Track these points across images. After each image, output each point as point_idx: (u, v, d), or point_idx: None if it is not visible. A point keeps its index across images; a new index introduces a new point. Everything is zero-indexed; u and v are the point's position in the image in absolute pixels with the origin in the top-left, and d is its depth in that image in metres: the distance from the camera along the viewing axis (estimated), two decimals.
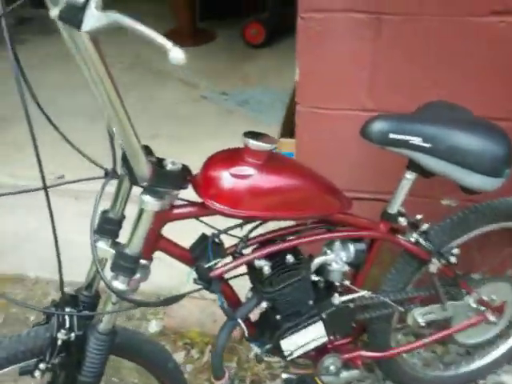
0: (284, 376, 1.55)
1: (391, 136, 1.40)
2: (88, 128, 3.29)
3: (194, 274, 1.38)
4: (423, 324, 1.71)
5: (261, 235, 1.51)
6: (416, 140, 1.40)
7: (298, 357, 1.64)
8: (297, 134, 1.98)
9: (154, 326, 2.36)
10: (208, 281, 1.39)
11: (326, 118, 1.91)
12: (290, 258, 1.47)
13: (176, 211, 1.32)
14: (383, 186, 1.69)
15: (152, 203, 1.21)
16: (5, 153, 3.49)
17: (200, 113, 4.02)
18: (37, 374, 1.29)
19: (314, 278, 1.55)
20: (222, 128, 3.73)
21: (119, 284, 1.26)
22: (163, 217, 1.28)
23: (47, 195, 1.10)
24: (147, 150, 1.20)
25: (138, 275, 1.29)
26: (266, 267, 1.45)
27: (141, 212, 1.22)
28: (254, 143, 1.28)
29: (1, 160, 3.43)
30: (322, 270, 1.58)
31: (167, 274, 1.98)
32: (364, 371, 2.11)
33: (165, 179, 1.22)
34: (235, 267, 1.43)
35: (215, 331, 2.33)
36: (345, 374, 1.76)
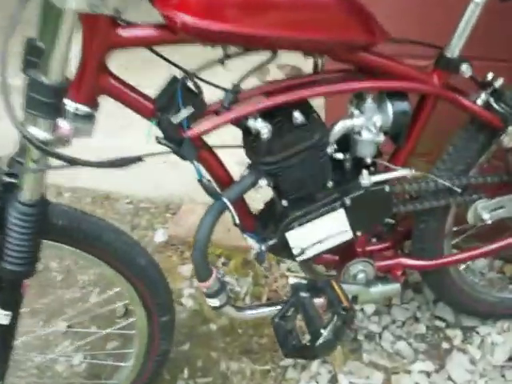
0: (291, 281, 1.16)
1: None
2: None
3: (157, 130, 0.98)
4: (489, 221, 1.25)
5: (260, 87, 1.09)
6: None
7: (315, 259, 1.25)
8: None
9: (160, 236, 2.01)
10: (177, 141, 0.99)
11: None
12: (298, 117, 1.04)
13: (124, 33, 0.91)
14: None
15: None
16: None
17: None
18: None
19: (335, 153, 1.13)
20: None
21: (38, 131, 0.87)
22: (104, 34, 0.88)
23: None
24: None
25: (69, 122, 0.90)
26: (264, 130, 1.03)
27: (58, 14, 0.81)
28: None
29: None
30: (346, 141, 1.15)
31: (179, 180, 1.60)
32: (410, 291, 1.71)
33: None
34: (218, 126, 1.02)
35: (229, 242, 2.02)
36: (379, 288, 1.35)
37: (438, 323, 1.61)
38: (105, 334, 1.63)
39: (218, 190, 1.07)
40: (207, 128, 1.01)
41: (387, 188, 1.13)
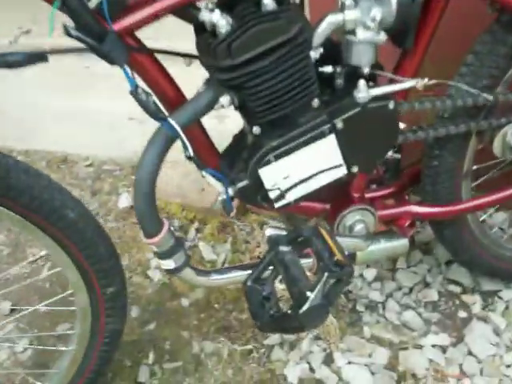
0: (268, 232, 0.89)
1: None
2: None
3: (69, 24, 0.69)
4: None
5: None
6: None
7: (300, 208, 0.97)
8: None
9: (124, 201, 1.73)
10: (97, 34, 0.70)
11: None
12: (267, 2, 0.75)
13: None
14: None
15: None
16: None
17: None
18: None
19: (323, 65, 0.84)
20: None
21: None
22: None
23: None
24: None
25: None
26: (221, 22, 0.74)
27: None
28: None
29: None
30: (337, 48, 0.87)
31: (147, 137, 1.35)
32: (418, 252, 1.44)
33: None
34: (155, 17, 0.73)
35: (203, 204, 1.74)
36: (382, 244, 1.07)
37: (453, 288, 1.35)
38: (53, 315, 1.37)
39: (161, 109, 0.78)
40: (139, 20, 0.73)
41: (391, 104, 0.85)
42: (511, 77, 0.96)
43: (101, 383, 1.23)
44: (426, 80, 0.84)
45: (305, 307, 0.72)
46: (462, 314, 1.30)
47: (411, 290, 1.36)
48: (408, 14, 0.82)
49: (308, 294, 0.73)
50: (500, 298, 1.31)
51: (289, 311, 0.74)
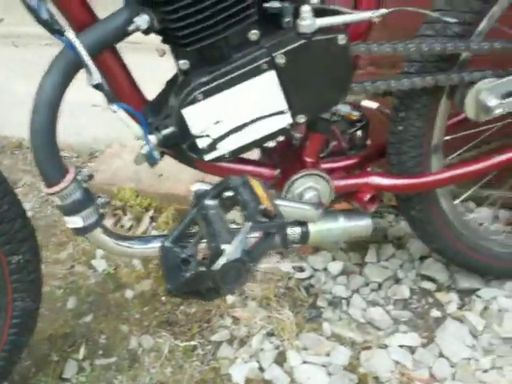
0: (194, 187, 0.75)
1: None
2: None
3: None
4: (498, 112, 0.84)
5: None
6: None
7: (243, 172, 0.84)
8: None
9: None
10: None
11: None
12: None
13: None
14: None
15: None
16: None
17: None
18: None
19: None
20: None
21: None
22: None
23: None
24: None
25: None
26: None
27: None
28: None
29: None
30: None
31: (106, 123, 1.32)
32: (390, 247, 1.29)
33: None
34: None
35: (160, 190, 1.60)
36: (341, 222, 0.93)
37: (427, 285, 1.20)
38: None
39: (59, 23, 0.66)
40: None
41: (342, 39, 0.72)
42: (486, 28, 0.84)
43: (20, 377, 1.08)
44: (384, 10, 0.72)
45: (219, 262, 0.58)
46: (436, 313, 1.15)
47: (380, 285, 1.22)
48: None
49: (224, 246, 0.59)
50: (478, 296, 1.16)
51: (202, 269, 0.60)
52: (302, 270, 1.26)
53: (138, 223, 1.47)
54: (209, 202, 0.68)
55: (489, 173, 1.00)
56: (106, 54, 0.73)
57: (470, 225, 1.09)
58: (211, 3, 0.67)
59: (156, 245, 0.82)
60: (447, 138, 0.96)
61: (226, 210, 0.69)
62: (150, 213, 1.48)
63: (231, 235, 0.62)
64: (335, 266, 1.25)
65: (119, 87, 0.76)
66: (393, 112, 0.91)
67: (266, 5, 0.75)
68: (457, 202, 1.07)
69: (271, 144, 0.95)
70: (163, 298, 1.25)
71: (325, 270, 1.26)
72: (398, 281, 1.22)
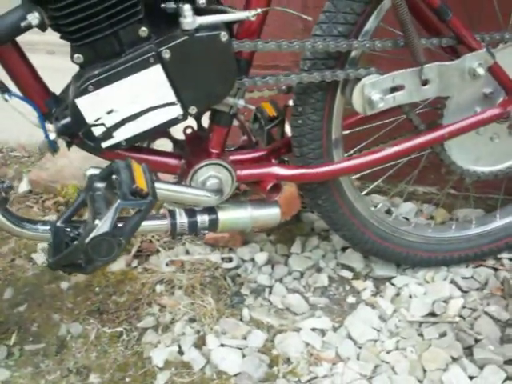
0: (88, 171, 0.81)
1: None
2: None
3: None
4: (382, 106, 0.91)
5: None
6: None
7: (153, 164, 0.90)
8: None
9: (24, 186, 1.65)
10: None
11: None
12: None
13: None
14: None
15: None
16: None
17: None
18: None
19: None
20: None
21: None
22: None
23: None
24: None
25: None
26: None
27: None
28: None
29: None
30: None
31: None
32: (315, 239, 1.36)
33: None
34: None
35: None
36: (248, 211, 1.00)
37: (345, 273, 1.26)
38: None
39: None
40: None
41: (223, 36, 0.79)
42: (373, 27, 0.92)
43: None
44: (259, 10, 0.79)
45: (90, 235, 0.64)
46: (351, 299, 1.21)
47: (302, 274, 1.28)
48: None
49: (96, 222, 0.65)
50: (392, 284, 1.23)
51: (76, 243, 0.66)
52: (230, 260, 1.32)
53: (80, 217, 1.52)
54: (96, 184, 0.75)
55: (384, 163, 1.06)
56: (6, 48, 0.79)
57: (378, 215, 1.16)
58: (95, 1, 0.73)
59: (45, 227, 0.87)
60: (346, 132, 1.03)
61: (113, 192, 0.75)
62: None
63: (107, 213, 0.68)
64: (262, 257, 1.31)
65: (21, 80, 0.82)
66: (292, 107, 0.98)
67: (163, 5, 0.82)
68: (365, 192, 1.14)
69: (181, 136, 1.02)
70: (97, 289, 1.31)
71: (252, 260, 1.32)
72: (319, 270, 1.29)
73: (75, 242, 0.66)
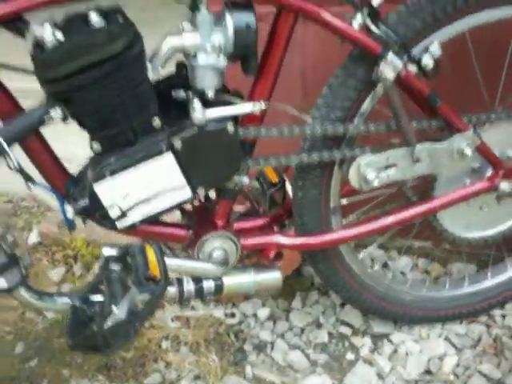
0: (104, 251, 0.87)
1: None
2: None
3: None
4: (376, 184, 0.98)
5: None
6: None
7: (160, 235, 0.96)
8: None
9: (33, 237, 1.71)
10: None
11: None
12: (93, 18, 0.77)
13: None
14: None
15: None
16: None
17: None
18: None
19: (165, 87, 0.87)
20: None
21: None
22: None
23: None
24: None
25: None
26: (48, 35, 0.76)
27: None
28: None
29: None
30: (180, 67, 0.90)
31: None
32: (315, 294, 1.41)
33: None
34: None
35: (110, 240, 1.72)
36: (252, 276, 1.06)
37: (344, 330, 1.31)
38: None
39: None
40: None
41: (230, 128, 0.86)
42: (368, 110, 0.99)
43: None
44: (263, 104, 0.86)
45: (108, 323, 0.70)
46: (350, 356, 1.26)
47: (303, 330, 1.33)
48: (245, 38, 0.85)
49: (113, 308, 0.71)
50: (390, 341, 1.28)
51: (95, 327, 0.72)
52: (233, 315, 1.37)
53: (88, 271, 1.58)
54: (112, 266, 0.81)
55: (382, 232, 1.12)
56: (31, 139, 0.86)
57: (375, 275, 1.22)
58: (116, 107, 0.80)
59: (69, 301, 0.93)
60: (344, 201, 1.09)
61: (128, 273, 0.81)
62: (99, 262, 1.59)
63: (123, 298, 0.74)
64: (263, 312, 1.36)
65: (43, 166, 0.88)
66: (293, 180, 1.04)
67: (173, 93, 0.90)
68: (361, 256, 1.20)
69: (188, 207, 1.08)
70: None
71: (254, 315, 1.37)
72: (319, 326, 1.34)
73: (94, 327, 0.71)
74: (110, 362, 1.30)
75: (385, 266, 1.48)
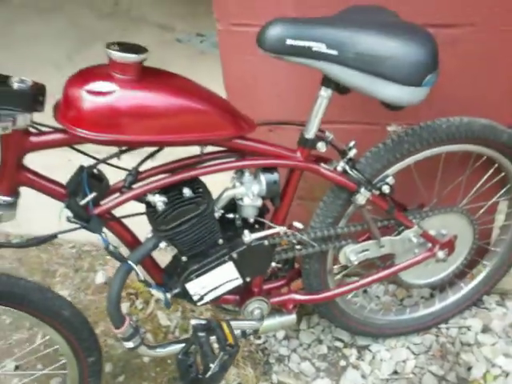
0: (193, 322, 1.41)
1: (288, 42, 1.18)
2: None
3: (68, 212, 1.23)
4: (356, 262, 1.53)
5: (155, 167, 1.34)
6: (319, 46, 1.18)
7: (219, 300, 1.49)
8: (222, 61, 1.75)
9: (100, 277, 2.24)
10: (86, 219, 1.23)
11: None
12: (186, 192, 1.30)
13: (35, 139, 1.15)
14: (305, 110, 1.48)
15: None
16: None
17: (172, 55, 3.81)
18: None
19: (225, 214, 1.39)
20: (194, 69, 3.51)
21: None
22: (18, 144, 1.13)
23: None
24: None
25: None
26: (159, 203, 1.29)
27: None
28: (117, 54, 1.10)
29: None
30: (235, 205, 1.42)
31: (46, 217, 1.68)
32: (315, 317, 1.98)
33: (9, 99, 1.05)
34: (122, 203, 1.27)
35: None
36: (276, 319, 1.61)
37: (338, 343, 1.89)
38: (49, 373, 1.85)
39: (122, 254, 1.31)
40: (112, 205, 1.26)
41: (266, 242, 1.40)
42: (349, 215, 1.53)
43: None
44: (285, 228, 1.40)
45: (209, 373, 1.25)
46: (342, 362, 1.83)
47: (309, 345, 1.89)
48: (273, 188, 1.37)
49: (211, 365, 1.25)
50: (370, 350, 1.86)
51: (199, 376, 1.27)
52: (259, 337, 1.93)
53: (147, 305, 2.12)
54: (201, 334, 1.35)
55: (361, 288, 1.69)
56: (146, 260, 1.38)
57: (358, 310, 1.78)
58: (198, 241, 1.33)
59: (169, 348, 1.48)
60: (336, 266, 1.65)
61: (211, 337, 1.36)
62: (155, 297, 2.13)
63: (214, 356, 1.28)
64: (280, 333, 1.92)
65: (151, 271, 1.41)
66: (301, 258, 1.58)
67: (227, 215, 1.42)
68: (349, 297, 1.76)
69: None
70: (169, 361, 1.91)
71: (274, 336, 1.93)
72: (320, 341, 1.90)
73: (200, 376, 1.25)
74: (176, 374, 1.86)
75: (365, 291, 2.05)
